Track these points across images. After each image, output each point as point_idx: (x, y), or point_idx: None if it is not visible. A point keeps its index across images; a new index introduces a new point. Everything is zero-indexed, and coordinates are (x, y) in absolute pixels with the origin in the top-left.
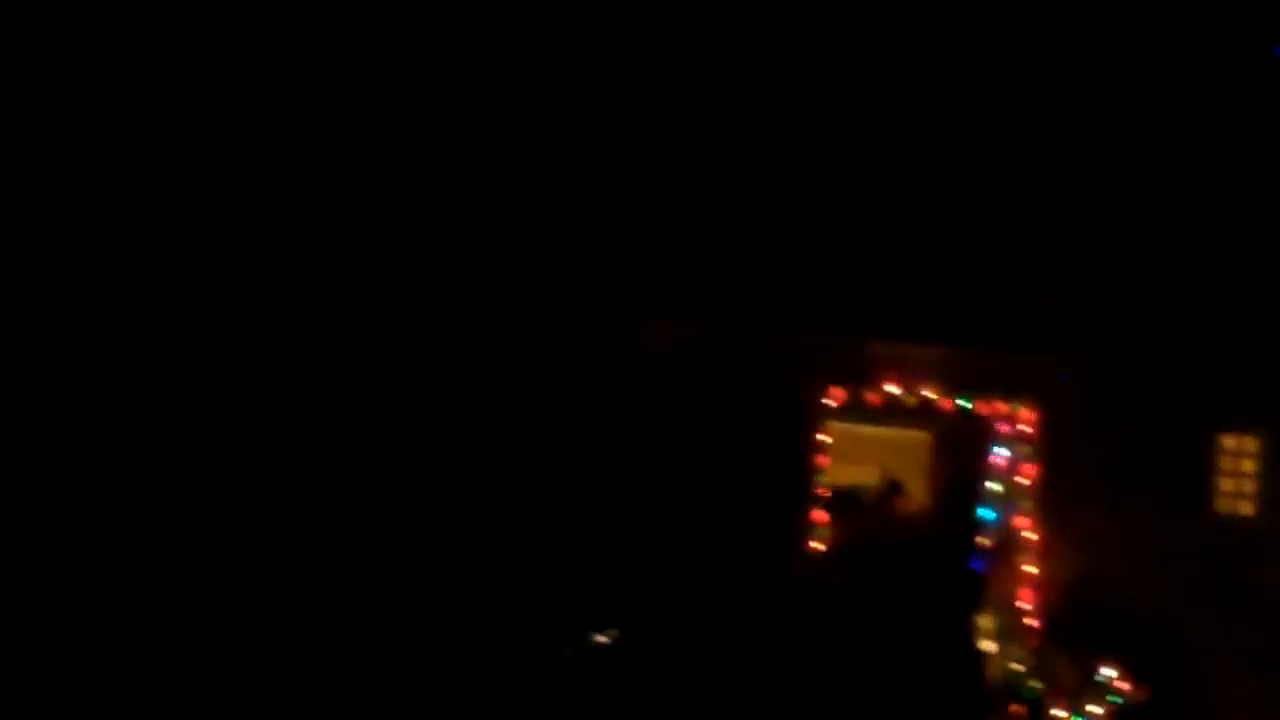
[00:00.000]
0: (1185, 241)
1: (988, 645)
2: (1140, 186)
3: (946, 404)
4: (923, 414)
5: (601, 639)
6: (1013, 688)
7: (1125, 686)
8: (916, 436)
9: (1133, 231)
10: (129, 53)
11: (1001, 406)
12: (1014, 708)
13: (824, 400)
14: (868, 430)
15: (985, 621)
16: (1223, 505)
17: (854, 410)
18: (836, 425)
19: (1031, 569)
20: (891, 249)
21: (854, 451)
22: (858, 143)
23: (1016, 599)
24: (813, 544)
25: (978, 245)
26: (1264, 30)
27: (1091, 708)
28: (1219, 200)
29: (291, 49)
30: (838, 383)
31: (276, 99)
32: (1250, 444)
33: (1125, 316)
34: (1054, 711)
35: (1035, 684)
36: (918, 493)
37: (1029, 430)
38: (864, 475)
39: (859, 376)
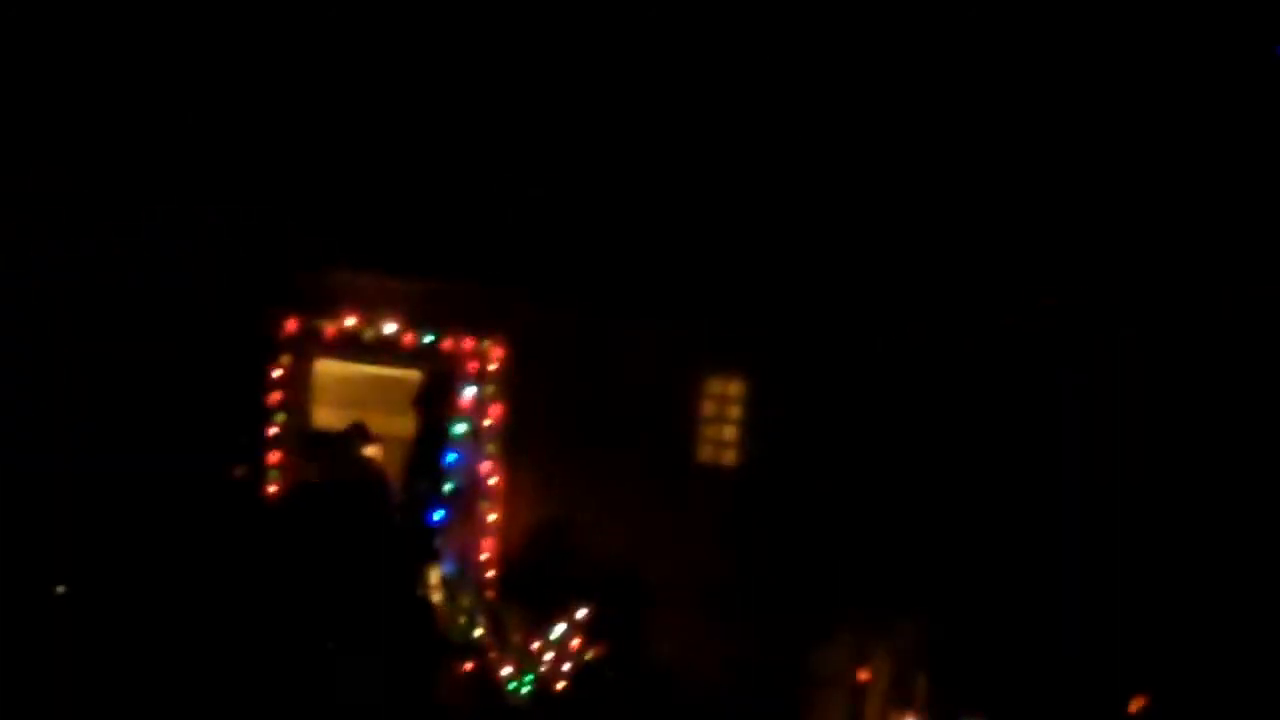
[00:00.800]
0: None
1: (438, 597)
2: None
3: (414, 340)
4: (401, 352)
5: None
6: (464, 643)
7: (578, 642)
8: (399, 375)
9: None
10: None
11: (471, 343)
12: (463, 663)
13: (280, 333)
14: (356, 369)
15: (438, 573)
16: (704, 453)
17: (325, 346)
18: (322, 364)
19: (494, 517)
20: (353, 174)
21: (346, 393)
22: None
23: (476, 549)
24: (268, 488)
25: (448, 171)
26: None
27: (542, 662)
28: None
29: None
30: (295, 314)
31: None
32: (735, 389)
33: (612, 255)
34: (504, 669)
35: (486, 638)
36: (393, 436)
37: (497, 368)
38: (353, 418)
39: (321, 309)
